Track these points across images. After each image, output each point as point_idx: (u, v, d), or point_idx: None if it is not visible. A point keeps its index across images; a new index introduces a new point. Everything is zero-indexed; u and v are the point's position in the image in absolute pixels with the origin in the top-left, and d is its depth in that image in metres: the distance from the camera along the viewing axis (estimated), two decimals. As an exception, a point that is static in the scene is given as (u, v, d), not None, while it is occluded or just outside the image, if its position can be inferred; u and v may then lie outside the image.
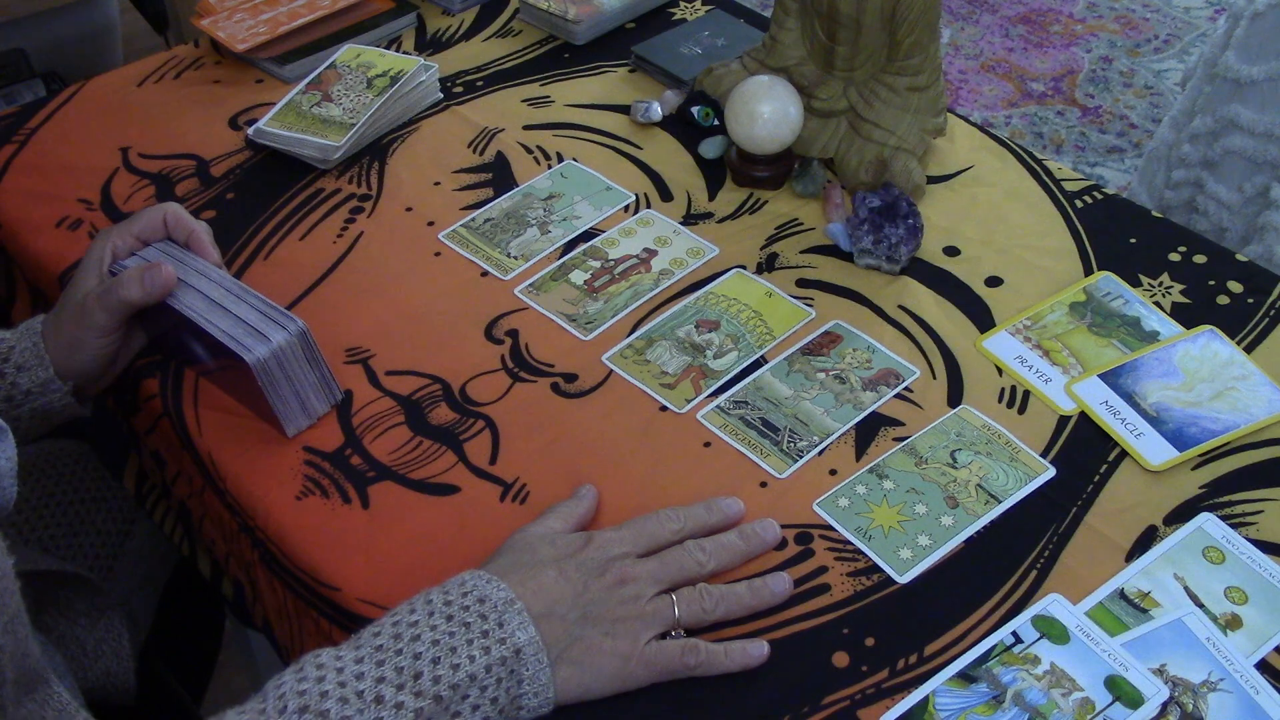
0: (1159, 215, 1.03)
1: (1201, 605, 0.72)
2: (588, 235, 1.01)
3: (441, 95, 1.17)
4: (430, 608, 0.65)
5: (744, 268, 0.97)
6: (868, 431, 0.84)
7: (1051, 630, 0.71)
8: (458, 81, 1.20)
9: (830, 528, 0.78)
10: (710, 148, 1.09)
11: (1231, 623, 0.72)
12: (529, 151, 1.10)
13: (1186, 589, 0.73)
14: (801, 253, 0.99)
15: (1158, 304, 0.93)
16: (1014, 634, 0.71)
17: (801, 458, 0.82)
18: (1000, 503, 0.79)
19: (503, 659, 0.64)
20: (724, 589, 0.71)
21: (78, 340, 0.82)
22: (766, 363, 0.89)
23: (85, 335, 0.82)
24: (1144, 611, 0.72)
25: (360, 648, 0.64)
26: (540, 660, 0.65)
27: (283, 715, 0.60)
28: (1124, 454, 0.82)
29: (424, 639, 0.63)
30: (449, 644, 0.63)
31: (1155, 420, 0.84)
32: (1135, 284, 0.95)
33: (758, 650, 0.69)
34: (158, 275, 0.81)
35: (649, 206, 1.04)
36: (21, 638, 0.62)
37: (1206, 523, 0.77)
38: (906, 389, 0.87)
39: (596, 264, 0.98)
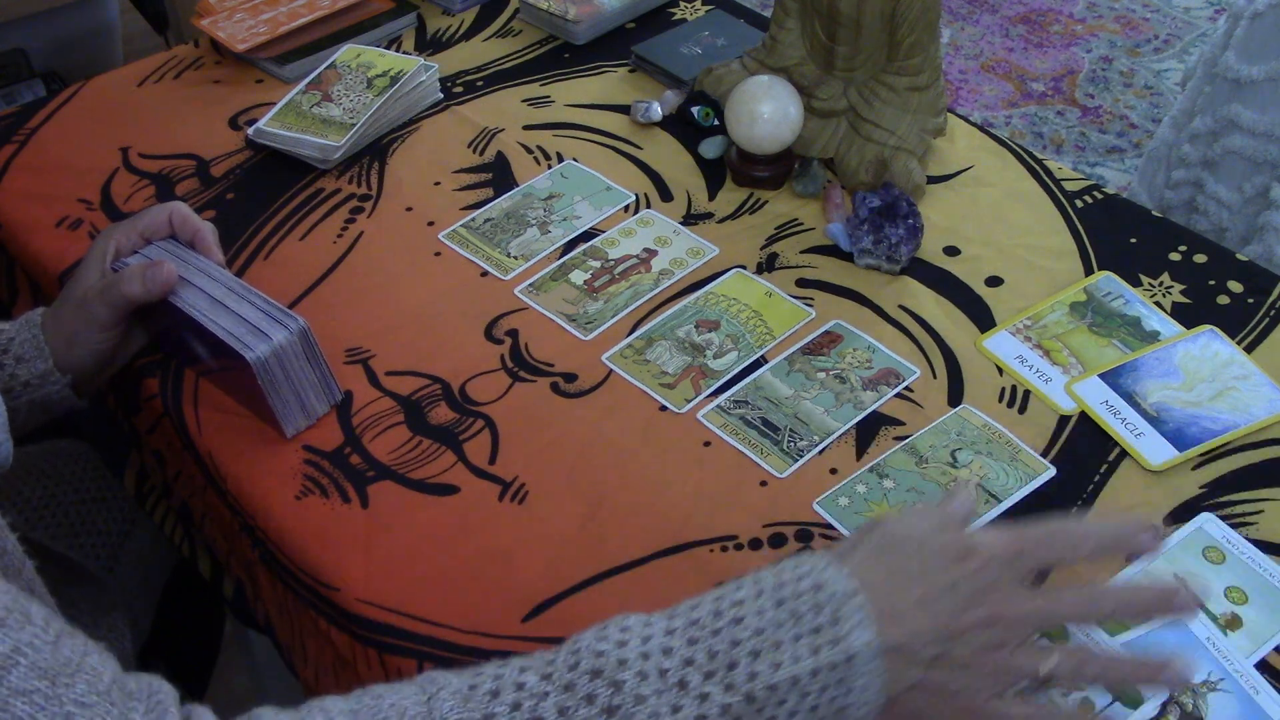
0: (1159, 215, 1.03)
1: (1202, 606, 0.72)
2: (588, 235, 1.01)
3: (441, 95, 1.17)
4: (759, 587, 0.56)
5: (744, 268, 0.97)
6: (868, 431, 0.84)
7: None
8: (458, 81, 1.20)
9: (831, 527, 0.78)
10: (710, 148, 1.09)
11: (1231, 623, 0.72)
12: (529, 151, 1.10)
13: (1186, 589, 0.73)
14: (801, 253, 0.99)
15: (1158, 304, 0.93)
16: (1014, 634, 0.71)
17: (802, 457, 0.82)
18: (1000, 502, 0.79)
19: (833, 664, 0.54)
20: (1112, 660, 0.61)
21: (77, 334, 0.82)
22: (766, 362, 0.89)
23: (85, 330, 0.82)
24: (1144, 611, 0.72)
25: (674, 617, 0.56)
26: (875, 670, 0.55)
27: (573, 671, 0.53)
28: (1124, 454, 0.82)
29: (747, 624, 0.55)
30: (773, 636, 0.54)
31: (1155, 420, 0.84)
32: (1135, 284, 0.95)
33: None
34: (159, 273, 0.81)
35: (649, 206, 1.04)
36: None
37: (1206, 523, 0.77)
38: (907, 388, 0.87)
39: (596, 264, 0.98)
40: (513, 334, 0.92)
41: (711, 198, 1.05)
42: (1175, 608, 0.60)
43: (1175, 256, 0.98)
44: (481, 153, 1.11)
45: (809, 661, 0.54)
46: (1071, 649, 0.60)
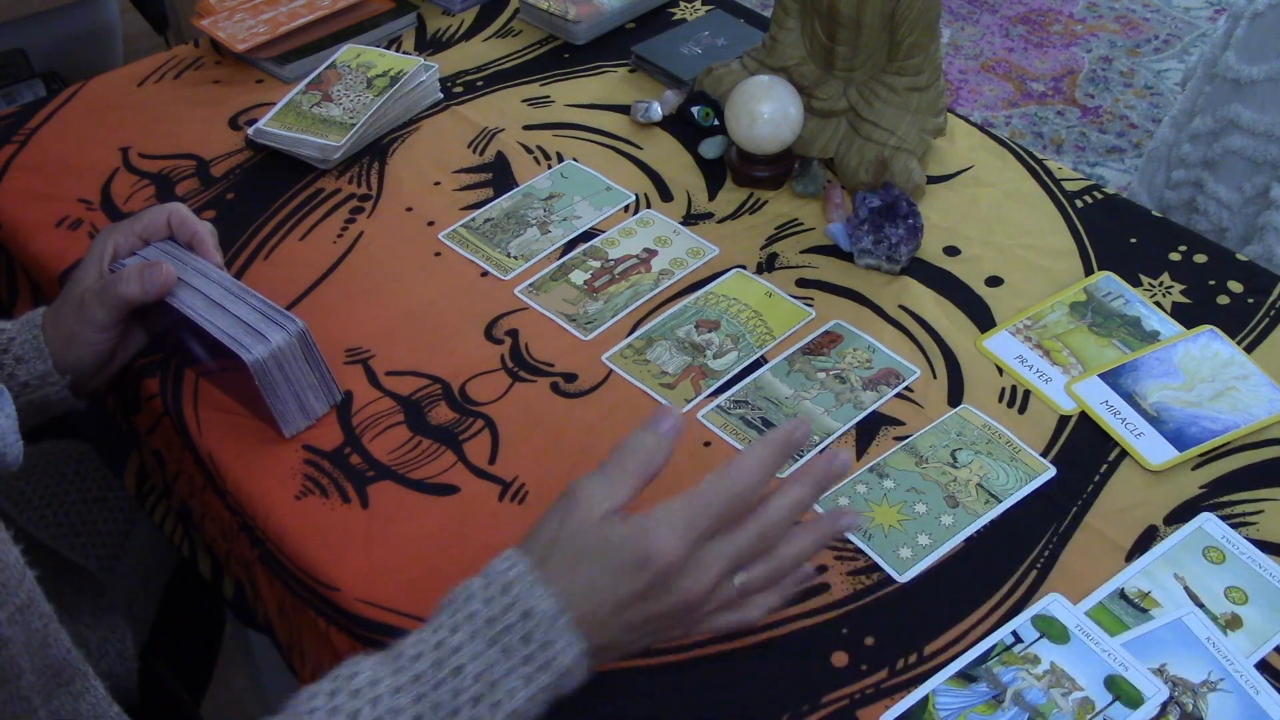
0: (1159, 215, 1.03)
1: (1201, 605, 0.72)
2: (588, 235, 1.01)
3: (441, 95, 1.17)
4: (473, 625, 0.60)
5: (744, 268, 0.97)
6: (868, 431, 0.84)
7: (1051, 630, 0.71)
8: (458, 81, 1.20)
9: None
10: (710, 148, 1.09)
11: (1231, 623, 0.72)
12: (529, 151, 1.10)
13: (1186, 589, 0.73)
14: (801, 253, 0.99)
15: (1158, 304, 0.93)
16: (1014, 633, 0.71)
17: (802, 457, 0.82)
18: (1000, 502, 0.79)
19: (546, 685, 0.60)
20: (775, 569, 0.63)
21: (75, 335, 0.82)
22: (766, 362, 0.89)
23: (83, 330, 0.82)
24: (1144, 611, 0.72)
25: (399, 672, 0.59)
26: (584, 666, 0.61)
27: None
28: (1124, 454, 0.82)
29: (466, 671, 0.59)
30: (490, 676, 0.59)
31: (1155, 420, 0.84)
32: (1135, 284, 0.95)
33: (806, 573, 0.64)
34: (157, 273, 0.81)
35: (649, 206, 1.04)
36: (37, 629, 0.61)
37: (1206, 523, 0.77)
38: (907, 388, 0.87)
39: (596, 264, 0.98)
40: (513, 334, 0.92)
41: (711, 198, 1.05)
42: (822, 482, 0.62)
43: (1175, 256, 0.98)
44: (481, 153, 1.11)
45: (525, 691, 0.59)
46: (759, 563, 0.62)
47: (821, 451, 0.71)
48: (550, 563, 0.62)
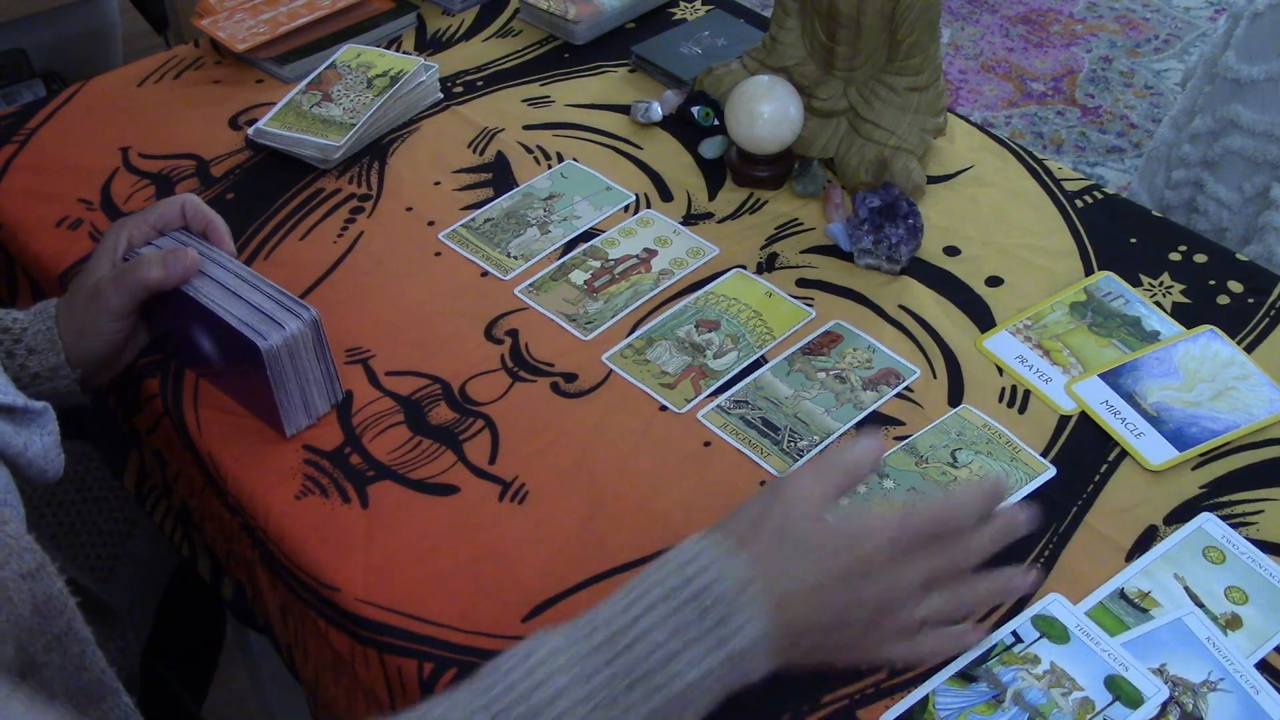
0: (1159, 215, 1.03)
1: (1201, 605, 0.72)
2: (588, 235, 1.01)
3: (441, 95, 1.17)
4: (654, 596, 0.59)
5: (744, 268, 0.97)
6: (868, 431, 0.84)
7: (1051, 630, 0.71)
8: (458, 81, 1.20)
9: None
10: (710, 148, 1.09)
11: (1231, 623, 0.72)
12: (529, 151, 1.10)
13: (1186, 589, 0.73)
14: (801, 253, 0.99)
15: (1158, 304, 0.93)
16: (1014, 633, 0.71)
17: (802, 457, 0.82)
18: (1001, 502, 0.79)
19: (725, 660, 0.58)
20: (969, 593, 0.64)
21: (89, 325, 0.82)
22: (766, 362, 0.89)
23: (97, 319, 0.82)
24: (1144, 611, 0.72)
25: (578, 642, 0.59)
26: (765, 652, 0.59)
27: (505, 698, 0.56)
28: (1124, 454, 0.82)
29: (648, 639, 0.58)
30: (669, 648, 0.58)
31: (1155, 420, 0.84)
32: (1136, 284, 0.95)
33: (977, 635, 0.65)
34: (181, 258, 0.81)
35: (649, 206, 1.04)
36: (74, 654, 0.62)
37: (1206, 523, 0.77)
38: (907, 388, 0.87)
39: (596, 264, 0.98)
40: (513, 334, 0.92)
41: (711, 198, 1.05)
42: (1012, 533, 0.64)
43: (1175, 256, 0.98)
44: (481, 153, 1.11)
45: (702, 667, 0.58)
46: (945, 591, 0.63)
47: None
48: (753, 539, 0.61)
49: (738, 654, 0.58)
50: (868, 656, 0.63)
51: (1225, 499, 0.79)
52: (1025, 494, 0.79)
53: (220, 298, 0.80)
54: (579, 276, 0.97)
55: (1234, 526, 0.77)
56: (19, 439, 0.66)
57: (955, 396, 0.87)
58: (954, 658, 0.69)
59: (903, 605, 0.62)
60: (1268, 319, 0.92)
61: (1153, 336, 0.91)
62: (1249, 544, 0.76)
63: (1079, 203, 1.04)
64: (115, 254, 0.84)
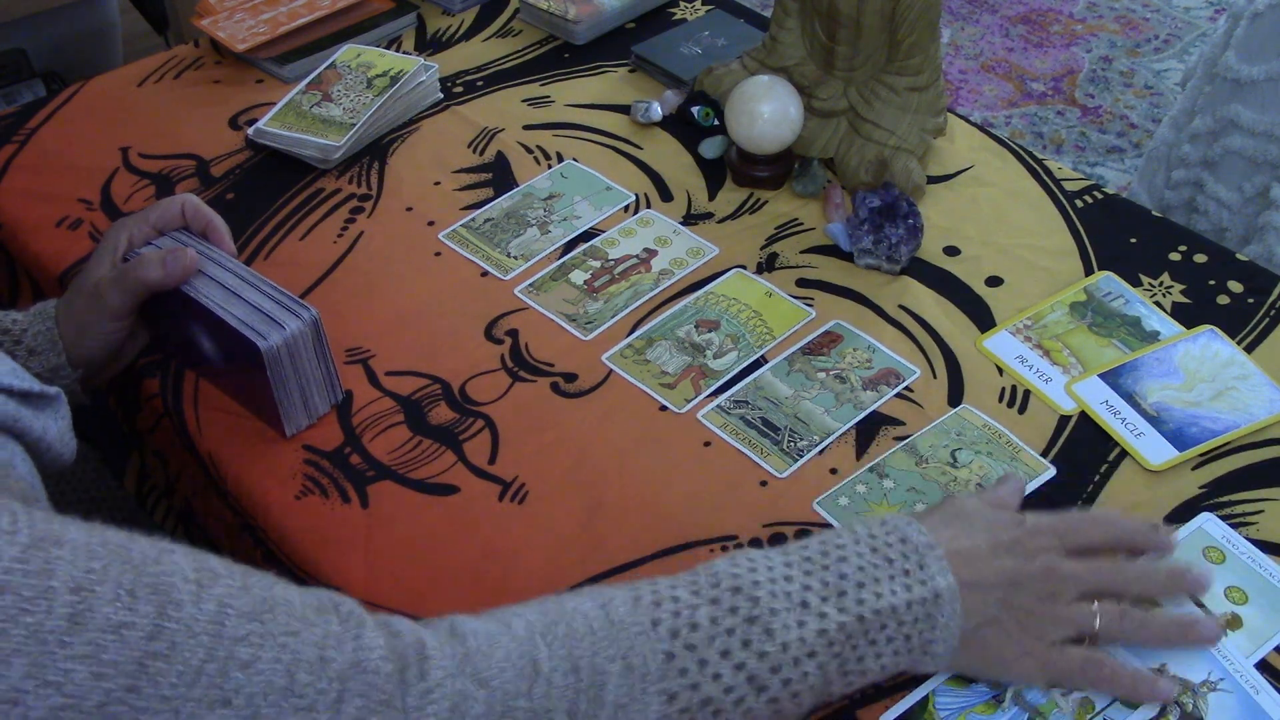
0: (1159, 215, 1.03)
1: (1201, 605, 0.72)
2: (588, 235, 1.01)
3: (441, 95, 1.17)
4: (855, 536, 0.66)
5: (744, 268, 0.97)
6: (868, 431, 0.84)
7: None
8: (458, 81, 1.20)
9: (830, 526, 0.78)
10: (710, 148, 1.09)
11: (1231, 623, 0.72)
12: (529, 151, 1.10)
13: None
14: (801, 253, 0.99)
15: (1158, 304, 0.93)
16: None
17: (802, 457, 0.82)
18: (1000, 502, 0.79)
19: (923, 599, 0.64)
20: (1149, 616, 0.68)
21: (89, 325, 0.82)
22: (766, 362, 0.89)
23: (97, 319, 0.82)
24: (1144, 611, 0.72)
25: (788, 554, 0.65)
26: (954, 610, 0.64)
27: (715, 588, 0.62)
28: (1124, 454, 0.82)
29: (850, 562, 0.64)
30: (873, 574, 0.64)
31: (1155, 420, 0.84)
32: (1136, 284, 0.95)
33: (1167, 689, 0.66)
34: (181, 258, 0.81)
35: (649, 206, 1.04)
36: None
37: (1206, 522, 0.77)
38: (907, 388, 0.87)
39: (596, 264, 0.98)
40: (513, 334, 0.92)
41: (711, 198, 1.05)
42: (1187, 586, 0.69)
43: (1175, 256, 0.98)
44: (481, 153, 1.11)
45: (904, 595, 0.64)
46: (1110, 608, 0.67)
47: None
48: (927, 519, 0.69)
49: (937, 594, 0.64)
50: (1047, 658, 0.66)
51: (1225, 499, 0.79)
52: (1025, 493, 0.79)
53: (220, 298, 0.80)
54: (579, 276, 0.97)
55: (1234, 526, 0.77)
56: (38, 424, 0.66)
57: (955, 396, 0.87)
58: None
59: (1068, 595, 0.66)
60: (1268, 319, 0.92)
61: (1153, 336, 0.91)
62: (1249, 544, 0.76)
63: (1079, 203, 1.04)
64: (115, 254, 0.84)
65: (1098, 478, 0.81)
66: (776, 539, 0.77)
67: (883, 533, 0.66)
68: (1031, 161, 1.08)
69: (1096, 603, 0.67)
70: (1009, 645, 0.66)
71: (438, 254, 1.00)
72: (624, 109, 1.16)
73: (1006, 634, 0.66)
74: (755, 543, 0.76)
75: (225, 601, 0.52)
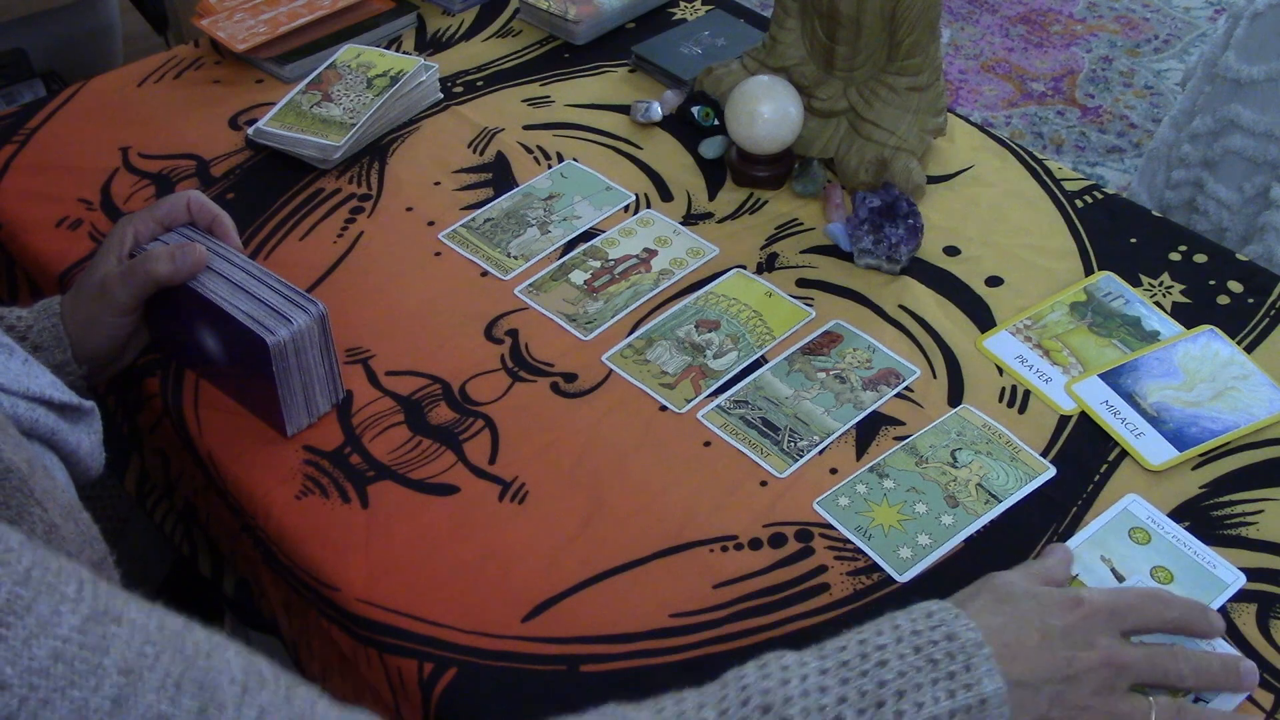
0: (1159, 215, 1.03)
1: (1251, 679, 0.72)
2: (588, 235, 1.01)
3: (441, 95, 1.17)
4: (898, 633, 0.62)
5: (744, 268, 0.97)
6: (868, 431, 0.84)
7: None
8: (458, 81, 1.20)
9: (830, 526, 0.78)
10: (710, 148, 1.09)
11: None
12: (529, 151, 1.10)
13: (1113, 570, 0.74)
14: (801, 253, 0.99)
15: (1158, 304, 0.93)
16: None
17: (802, 457, 0.82)
18: (1000, 502, 0.79)
19: (967, 707, 0.59)
20: (1204, 712, 0.65)
21: (94, 321, 0.82)
22: (766, 362, 0.89)
23: (103, 315, 0.82)
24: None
25: (825, 658, 0.61)
26: (1001, 714, 0.60)
27: (745, 707, 0.58)
28: (1124, 454, 0.82)
29: (890, 666, 0.60)
30: (914, 679, 0.59)
31: (1155, 420, 0.84)
32: (1136, 284, 0.95)
33: None
34: (191, 253, 0.81)
35: (649, 206, 1.04)
36: None
37: (1132, 504, 0.78)
38: (907, 388, 0.87)
39: (596, 264, 0.98)
40: (513, 334, 0.92)
41: (711, 198, 1.05)
42: (1242, 683, 0.66)
43: (1175, 256, 0.98)
44: (481, 153, 1.11)
45: (946, 704, 0.59)
46: (1165, 703, 0.64)
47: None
48: (972, 604, 0.64)
49: (984, 700, 0.59)
50: None
51: (1225, 499, 0.79)
52: (1025, 494, 0.79)
53: (226, 293, 0.80)
54: (579, 276, 0.97)
55: (1234, 526, 0.77)
56: (73, 437, 0.66)
57: (955, 396, 0.87)
58: None
59: (1123, 687, 0.63)
60: (1268, 319, 0.92)
61: (1153, 336, 0.91)
62: (1173, 523, 0.76)
63: (1079, 203, 1.04)
64: (121, 249, 0.84)
65: (1098, 478, 0.81)
66: (776, 539, 0.77)
67: (927, 627, 0.62)
68: (1031, 161, 1.08)
69: (1152, 699, 0.63)
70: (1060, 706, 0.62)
71: (438, 254, 1.00)
72: (624, 109, 1.16)
73: (1059, 703, 0.62)
74: (755, 544, 0.76)
75: (266, 710, 0.51)
